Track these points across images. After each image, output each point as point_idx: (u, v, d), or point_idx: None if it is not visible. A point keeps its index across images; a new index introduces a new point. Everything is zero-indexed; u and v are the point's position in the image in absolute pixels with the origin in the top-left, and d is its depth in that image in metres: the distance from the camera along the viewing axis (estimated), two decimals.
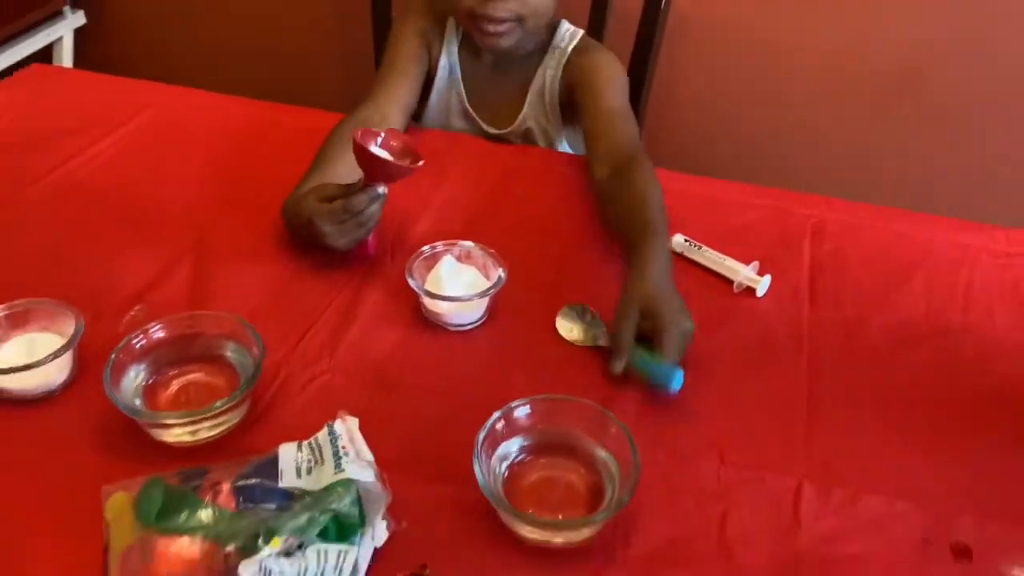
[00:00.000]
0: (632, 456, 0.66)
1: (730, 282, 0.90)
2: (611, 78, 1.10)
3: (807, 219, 1.00)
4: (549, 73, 1.13)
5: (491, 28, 1.04)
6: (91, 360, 0.77)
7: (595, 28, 1.34)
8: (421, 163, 0.85)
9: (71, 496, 0.66)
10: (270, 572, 0.57)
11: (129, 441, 0.71)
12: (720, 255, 0.92)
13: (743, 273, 0.90)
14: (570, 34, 1.15)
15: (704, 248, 0.93)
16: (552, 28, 1.14)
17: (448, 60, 1.15)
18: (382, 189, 0.84)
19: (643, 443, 0.66)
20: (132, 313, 0.83)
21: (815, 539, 0.67)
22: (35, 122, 1.14)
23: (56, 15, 2.03)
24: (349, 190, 0.86)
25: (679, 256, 0.94)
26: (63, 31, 2.05)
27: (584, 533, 0.66)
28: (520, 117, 1.15)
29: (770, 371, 0.81)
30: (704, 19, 1.62)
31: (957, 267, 0.95)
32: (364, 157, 0.83)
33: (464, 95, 1.15)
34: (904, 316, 0.88)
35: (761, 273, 0.90)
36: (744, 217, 1.00)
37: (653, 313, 0.79)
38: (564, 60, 1.13)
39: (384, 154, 0.84)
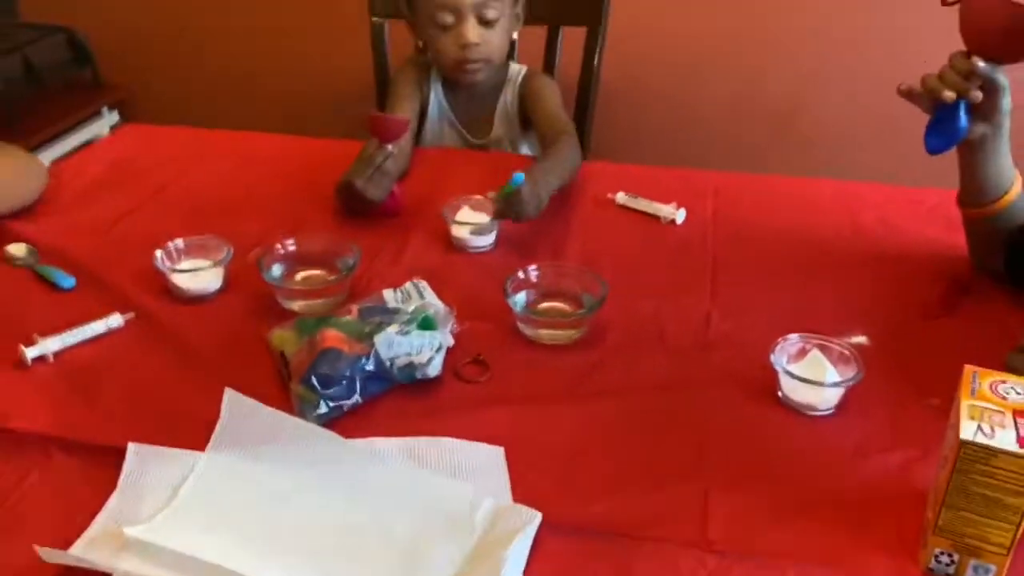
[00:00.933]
0: (601, 288, 1.06)
1: (658, 218, 1.33)
2: (549, 91, 1.57)
3: (710, 182, 1.44)
4: (508, 98, 1.59)
5: (471, 67, 1.50)
6: (231, 278, 1.16)
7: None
8: (408, 120, 1.31)
9: (239, 345, 1.03)
10: (393, 342, 0.95)
11: (271, 314, 1.08)
12: (650, 201, 1.34)
13: (666, 210, 1.32)
14: (518, 70, 1.62)
15: (639, 198, 1.35)
16: (506, 67, 1.61)
17: (436, 97, 1.60)
18: (390, 147, 1.27)
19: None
20: (252, 253, 1.21)
21: (718, 334, 1.06)
22: (143, 159, 1.54)
23: (96, 115, 2.46)
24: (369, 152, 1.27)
25: (622, 207, 1.36)
26: (103, 128, 2.47)
27: (572, 334, 1.05)
28: (492, 131, 1.59)
29: (687, 262, 1.22)
30: (628, 84, 2.12)
31: (808, 205, 1.38)
32: (371, 123, 1.26)
33: (453, 118, 1.59)
34: (774, 232, 1.30)
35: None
36: (665, 184, 1.42)
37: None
38: (517, 87, 1.59)
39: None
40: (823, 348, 0.97)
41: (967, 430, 0.70)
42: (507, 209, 1.22)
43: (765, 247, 1.26)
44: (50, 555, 0.72)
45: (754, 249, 1.26)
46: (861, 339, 1.06)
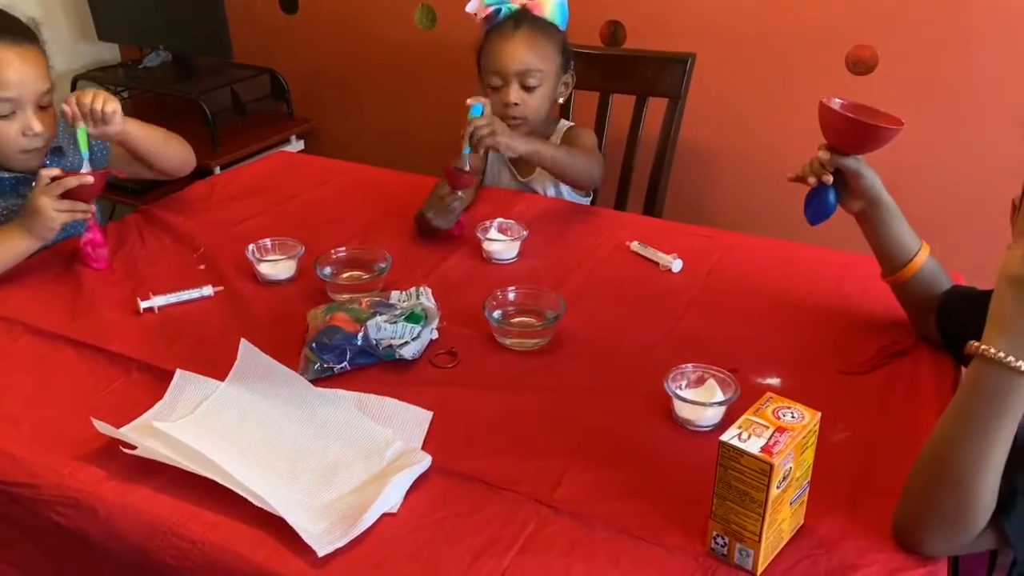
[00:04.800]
0: (560, 307, 1.31)
1: (658, 265, 1.54)
2: (585, 137, 1.85)
3: (722, 241, 1.63)
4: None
5: (511, 123, 1.77)
6: (303, 271, 1.51)
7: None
8: (478, 179, 1.57)
9: (289, 317, 1.37)
10: (380, 327, 1.25)
11: (321, 298, 1.42)
12: (655, 250, 1.56)
13: (665, 258, 1.54)
14: (565, 124, 1.91)
15: (648, 247, 1.58)
16: (556, 122, 1.90)
17: None
18: (459, 193, 1.57)
19: (575, 314, 1.32)
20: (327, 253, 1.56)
21: (655, 360, 1.26)
22: (279, 178, 1.95)
23: (286, 141, 2.96)
24: (443, 193, 1.59)
25: (634, 253, 1.59)
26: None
27: (536, 343, 1.30)
28: (535, 171, 1.87)
29: (664, 302, 1.43)
30: (702, 149, 2.32)
31: (800, 268, 1.53)
32: (447, 173, 1.57)
33: (506, 159, 1.89)
34: (756, 288, 1.47)
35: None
36: (682, 238, 1.63)
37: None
38: (560, 137, 1.87)
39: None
40: (716, 378, 1.16)
41: (728, 434, 0.89)
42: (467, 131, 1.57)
43: (739, 298, 1.44)
44: (102, 427, 1.08)
45: (728, 299, 1.44)
46: (774, 380, 1.23)
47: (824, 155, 1.21)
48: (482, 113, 1.61)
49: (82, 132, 1.51)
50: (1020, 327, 0.84)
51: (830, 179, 1.21)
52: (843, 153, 1.20)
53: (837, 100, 1.21)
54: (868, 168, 1.22)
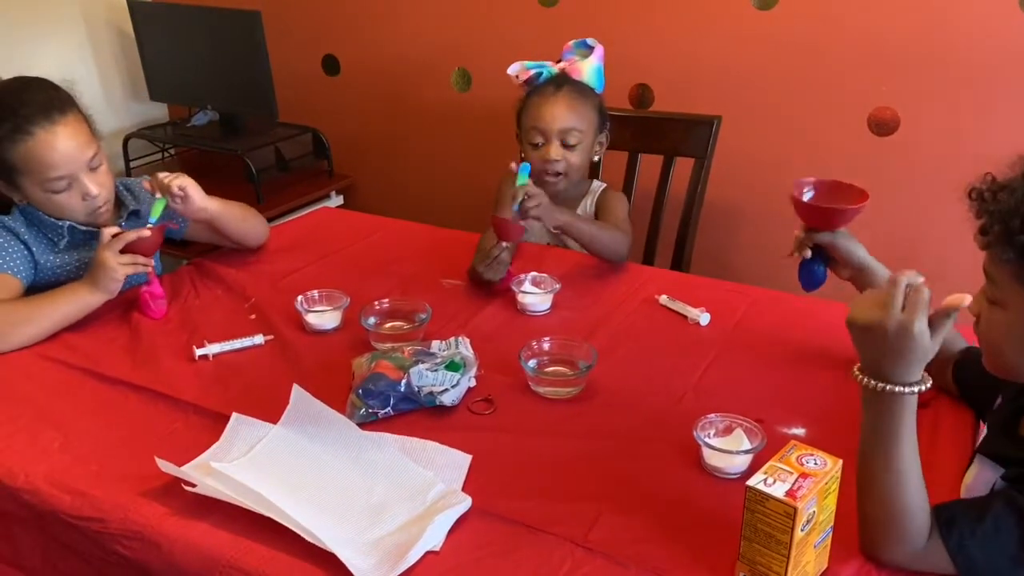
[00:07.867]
0: (592, 357, 1.37)
1: (686, 318, 1.61)
2: (617, 203, 1.93)
3: (747, 296, 1.69)
4: (587, 205, 1.95)
5: (548, 180, 1.87)
6: (347, 321, 1.59)
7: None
8: (525, 230, 1.66)
9: (336, 365, 1.45)
10: (422, 375, 1.32)
11: (365, 347, 1.50)
12: (684, 304, 1.63)
13: (693, 312, 1.60)
14: (600, 185, 1.99)
15: (677, 300, 1.64)
16: (589, 183, 1.98)
17: None
18: (505, 244, 1.66)
19: (606, 364, 1.38)
20: (371, 305, 1.65)
21: (685, 410, 1.32)
22: (323, 232, 2.05)
23: (326, 196, 3.08)
24: (490, 246, 1.67)
25: (663, 306, 1.65)
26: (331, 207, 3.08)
27: (569, 391, 1.37)
28: None
29: (693, 354, 1.49)
30: (727, 206, 2.39)
31: (822, 323, 1.58)
32: (496, 224, 1.65)
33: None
34: (780, 341, 1.53)
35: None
36: (708, 292, 1.70)
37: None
38: (596, 198, 1.95)
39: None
40: (743, 427, 1.21)
41: (755, 479, 0.95)
42: (519, 196, 1.66)
43: (764, 351, 1.50)
44: (164, 465, 1.15)
45: (754, 351, 1.50)
46: (799, 430, 1.28)
47: (799, 234, 1.34)
48: (529, 174, 1.71)
49: (160, 202, 1.64)
50: (866, 357, 1.00)
51: (808, 254, 1.35)
52: (816, 230, 1.33)
53: (809, 180, 1.34)
54: (846, 239, 1.33)
